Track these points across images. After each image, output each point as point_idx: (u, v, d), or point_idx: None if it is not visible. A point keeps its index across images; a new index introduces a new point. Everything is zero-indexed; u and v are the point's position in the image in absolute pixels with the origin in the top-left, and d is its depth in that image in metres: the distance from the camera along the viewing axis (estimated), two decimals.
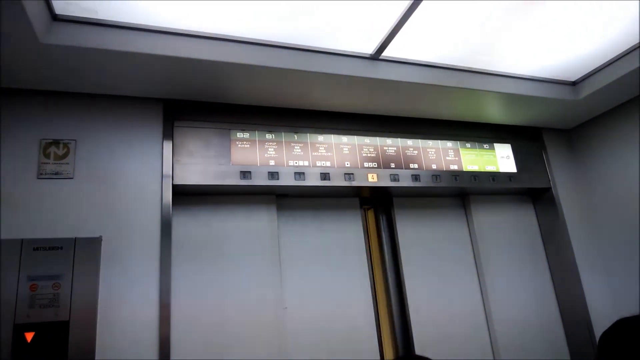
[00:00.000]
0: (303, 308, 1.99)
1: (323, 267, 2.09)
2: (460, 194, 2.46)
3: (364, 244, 2.23)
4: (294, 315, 1.96)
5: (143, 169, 1.72)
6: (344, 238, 2.19)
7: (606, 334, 1.30)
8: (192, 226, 1.88)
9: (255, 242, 1.96)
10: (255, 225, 1.99)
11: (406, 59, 1.88)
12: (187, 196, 1.89)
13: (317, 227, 2.15)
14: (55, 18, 1.41)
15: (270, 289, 1.92)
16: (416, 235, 2.29)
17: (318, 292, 2.04)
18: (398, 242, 2.23)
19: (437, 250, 2.31)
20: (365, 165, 2.09)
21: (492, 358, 2.22)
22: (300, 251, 2.08)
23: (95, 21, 1.46)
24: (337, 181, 2.01)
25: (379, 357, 2.05)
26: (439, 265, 2.28)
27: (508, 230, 2.50)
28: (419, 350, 2.05)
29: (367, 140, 2.15)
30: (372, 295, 2.15)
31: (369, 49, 1.79)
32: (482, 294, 2.32)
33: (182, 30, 1.56)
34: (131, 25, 1.50)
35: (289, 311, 1.95)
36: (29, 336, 1.38)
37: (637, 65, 1.93)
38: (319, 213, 2.18)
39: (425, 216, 2.36)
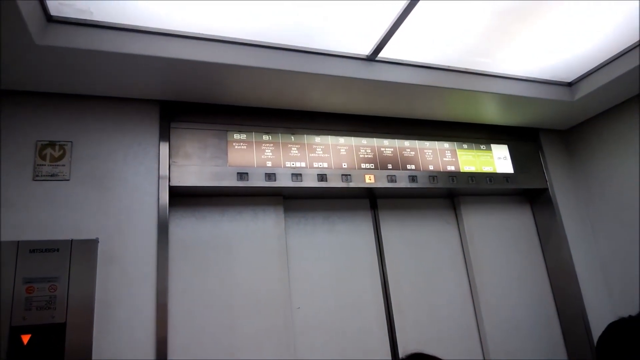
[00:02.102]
0: (313, 309, 2.00)
1: (333, 268, 2.10)
2: (450, 195, 2.47)
3: (374, 244, 2.23)
4: (304, 316, 1.97)
5: (139, 171, 1.72)
6: (355, 239, 2.19)
7: (604, 335, 1.31)
8: (191, 228, 1.88)
9: (261, 243, 1.96)
10: (261, 226, 1.99)
11: (402, 60, 1.89)
12: (185, 198, 1.88)
13: (328, 229, 2.16)
14: (50, 19, 1.41)
15: (278, 289, 1.91)
16: (401, 237, 2.29)
17: (328, 292, 2.05)
18: (382, 244, 2.23)
19: (423, 252, 2.31)
20: (362, 167, 2.09)
21: (481, 357, 2.23)
22: (311, 252, 2.09)
23: (90, 22, 1.45)
24: (334, 182, 2.01)
25: (390, 356, 2.05)
26: (426, 267, 2.28)
27: (502, 231, 2.50)
28: (402, 353, 2.05)
29: (364, 141, 2.15)
30: (384, 295, 2.15)
31: (365, 50, 1.79)
32: (472, 296, 2.33)
33: (178, 31, 1.56)
34: (127, 27, 1.50)
35: (299, 311, 1.96)
36: (25, 338, 1.38)
37: (633, 66, 1.94)
38: (328, 214, 2.19)
39: (411, 218, 2.36)
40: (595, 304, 2.36)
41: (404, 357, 1.14)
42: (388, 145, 2.20)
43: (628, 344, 1.22)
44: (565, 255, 2.41)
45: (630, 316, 1.31)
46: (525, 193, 2.62)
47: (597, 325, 2.29)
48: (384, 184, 2.10)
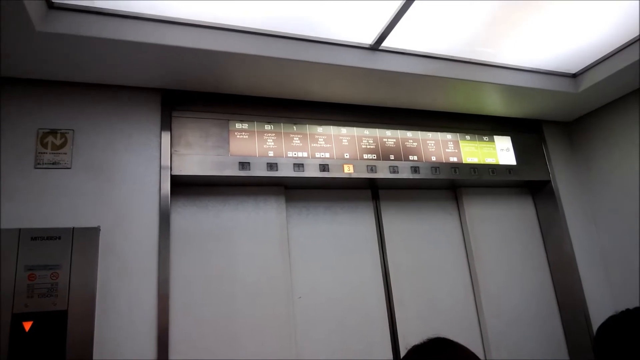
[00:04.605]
0: (314, 298, 2.00)
1: (335, 258, 2.10)
2: (452, 186, 2.46)
3: (376, 235, 2.23)
4: (305, 306, 1.97)
5: (141, 160, 1.72)
6: (356, 229, 2.19)
7: (603, 327, 1.31)
8: (192, 217, 1.88)
9: (263, 233, 1.95)
10: (262, 216, 1.98)
11: (406, 50, 1.87)
12: (186, 187, 1.88)
13: (329, 219, 2.16)
14: (52, 6, 1.39)
15: (280, 279, 1.92)
16: (403, 229, 2.29)
17: (330, 282, 2.05)
18: (384, 235, 2.23)
19: (425, 243, 2.31)
20: (364, 157, 2.08)
21: (482, 351, 2.23)
22: (312, 242, 2.09)
23: (92, 9, 1.44)
24: (336, 172, 2.00)
25: (391, 347, 2.06)
26: (427, 259, 2.28)
27: (504, 222, 2.50)
28: (402, 344, 2.06)
29: (366, 131, 2.15)
30: (385, 286, 2.15)
31: (369, 39, 1.78)
32: (473, 288, 2.33)
33: (181, 19, 1.55)
34: (129, 14, 1.48)
35: (300, 301, 1.97)
36: (27, 325, 1.38)
37: (638, 57, 1.92)
38: (330, 205, 2.18)
39: (413, 209, 2.35)
40: (596, 296, 2.36)
41: (424, 341, 1.12)
42: (390, 136, 2.19)
43: (628, 337, 1.22)
44: (567, 248, 2.40)
45: (628, 309, 1.31)
46: (527, 185, 2.61)
47: (598, 317, 2.29)
48: (386, 174, 2.09)
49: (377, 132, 2.17)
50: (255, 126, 1.95)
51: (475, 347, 2.20)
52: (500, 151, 2.44)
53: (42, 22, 1.37)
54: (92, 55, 1.53)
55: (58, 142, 1.62)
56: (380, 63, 1.83)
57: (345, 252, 2.13)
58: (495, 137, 2.46)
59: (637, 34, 1.89)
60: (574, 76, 2.23)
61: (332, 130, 2.08)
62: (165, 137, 1.77)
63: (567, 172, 2.59)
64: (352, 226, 2.19)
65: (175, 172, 1.75)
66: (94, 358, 1.45)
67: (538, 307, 2.41)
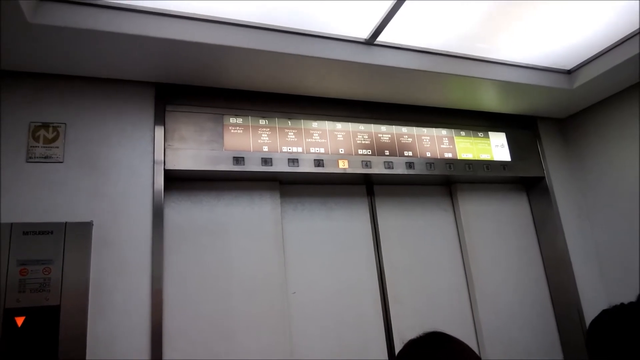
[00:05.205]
0: (309, 294, 2.00)
1: (329, 254, 2.10)
2: (447, 182, 2.46)
3: (371, 230, 2.23)
4: (300, 301, 1.97)
5: (134, 154, 1.70)
6: (351, 225, 2.19)
7: (596, 321, 1.31)
8: (186, 212, 1.87)
9: (257, 228, 1.95)
10: (257, 211, 1.97)
11: (401, 45, 1.87)
12: (180, 182, 1.87)
13: (324, 215, 2.15)
14: None
15: (274, 274, 1.91)
16: (398, 224, 2.29)
17: (325, 278, 2.05)
18: (378, 230, 2.23)
19: (420, 239, 2.31)
20: (359, 152, 2.08)
21: (476, 346, 2.24)
22: (307, 238, 2.08)
23: (85, 1, 1.42)
24: (331, 168, 2.00)
25: (385, 343, 2.07)
26: (422, 254, 2.29)
27: (498, 218, 2.50)
28: (397, 339, 2.06)
29: (361, 127, 2.14)
30: (379, 281, 2.16)
31: (364, 33, 1.77)
32: (467, 283, 2.34)
33: (175, 12, 1.53)
34: (122, 6, 1.47)
35: (295, 297, 1.96)
36: (20, 320, 1.38)
37: (633, 54, 1.93)
38: (325, 200, 2.18)
39: (407, 204, 2.35)
40: (590, 293, 2.38)
41: (421, 335, 1.12)
42: (385, 132, 2.18)
43: (620, 332, 1.22)
44: (561, 244, 2.42)
45: (622, 304, 1.32)
46: (522, 181, 2.62)
47: (591, 314, 2.28)
48: (381, 170, 2.09)
49: (372, 128, 2.16)
50: (250, 121, 1.94)
51: (469, 343, 2.20)
52: (495, 147, 2.44)
53: (34, 14, 1.35)
54: (85, 48, 1.52)
55: (50, 135, 1.60)
56: (376, 58, 1.82)
57: (340, 247, 2.13)
58: (490, 133, 2.46)
59: (632, 30, 1.89)
60: (568, 72, 2.24)
61: (327, 125, 2.07)
62: (159, 131, 1.76)
63: (562, 169, 2.60)
64: (347, 222, 2.18)
65: (169, 166, 1.74)
66: (87, 353, 1.44)
67: (532, 303, 2.42)
